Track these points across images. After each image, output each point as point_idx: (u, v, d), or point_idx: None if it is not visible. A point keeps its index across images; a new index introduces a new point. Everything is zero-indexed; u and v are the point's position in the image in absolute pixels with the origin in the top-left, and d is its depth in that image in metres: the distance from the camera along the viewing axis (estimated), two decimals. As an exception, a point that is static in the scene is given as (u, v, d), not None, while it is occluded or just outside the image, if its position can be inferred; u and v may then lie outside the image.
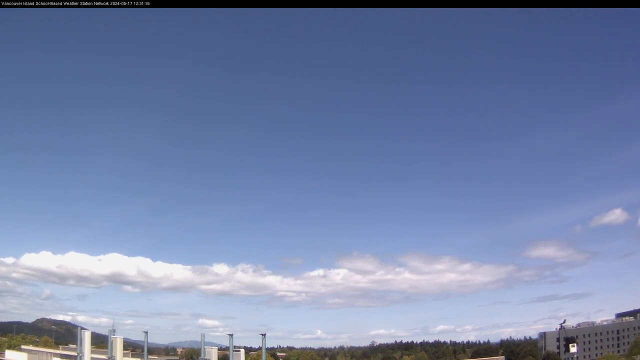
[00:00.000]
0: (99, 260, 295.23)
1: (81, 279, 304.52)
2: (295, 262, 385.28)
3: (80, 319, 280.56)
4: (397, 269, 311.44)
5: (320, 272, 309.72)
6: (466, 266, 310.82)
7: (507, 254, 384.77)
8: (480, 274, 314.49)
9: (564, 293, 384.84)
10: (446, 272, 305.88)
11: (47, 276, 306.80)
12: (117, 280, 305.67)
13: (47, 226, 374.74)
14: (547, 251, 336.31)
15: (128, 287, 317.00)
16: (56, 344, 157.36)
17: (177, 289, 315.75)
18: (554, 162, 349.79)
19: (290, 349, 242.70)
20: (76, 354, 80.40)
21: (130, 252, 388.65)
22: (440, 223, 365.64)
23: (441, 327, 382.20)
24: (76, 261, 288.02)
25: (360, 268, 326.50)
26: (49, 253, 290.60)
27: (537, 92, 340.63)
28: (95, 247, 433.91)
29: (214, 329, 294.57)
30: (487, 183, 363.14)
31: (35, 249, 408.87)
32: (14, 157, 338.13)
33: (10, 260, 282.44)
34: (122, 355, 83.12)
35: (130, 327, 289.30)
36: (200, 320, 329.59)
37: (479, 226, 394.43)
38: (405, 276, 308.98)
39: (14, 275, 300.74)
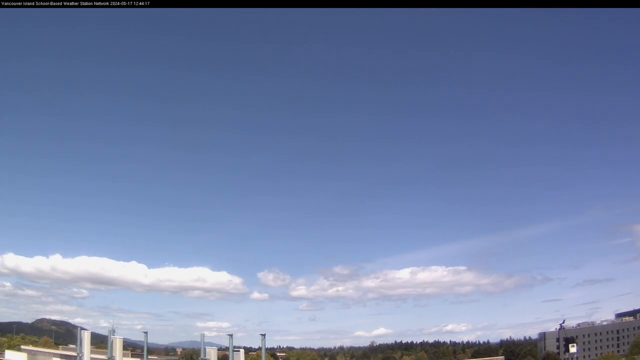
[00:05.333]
0: (101, 262, 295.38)
1: (82, 280, 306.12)
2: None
3: (80, 319, 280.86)
4: (398, 272, 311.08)
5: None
6: (465, 268, 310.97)
7: (508, 256, 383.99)
8: (478, 277, 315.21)
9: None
10: (446, 273, 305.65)
11: (47, 276, 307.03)
12: (119, 282, 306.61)
13: (50, 228, 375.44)
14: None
15: (130, 289, 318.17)
16: (56, 344, 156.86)
17: (178, 289, 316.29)
18: (553, 166, 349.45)
19: (290, 349, 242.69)
20: (76, 354, 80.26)
21: (131, 257, 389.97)
22: (441, 225, 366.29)
23: (441, 327, 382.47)
24: (77, 263, 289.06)
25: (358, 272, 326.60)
26: (54, 255, 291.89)
27: (539, 94, 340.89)
28: (98, 249, 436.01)
29: (213, 329, 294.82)
30: (486, 187, 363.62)
31: (39, 250, 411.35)
32: (14, 161, 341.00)
33: (12, 260, 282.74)
34: (121, 355, 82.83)
35: (130, 327, 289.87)
36: (200, 321, 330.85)
37: (479, 229, 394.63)
38: (406, 278, 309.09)
39: (16, 275, 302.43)
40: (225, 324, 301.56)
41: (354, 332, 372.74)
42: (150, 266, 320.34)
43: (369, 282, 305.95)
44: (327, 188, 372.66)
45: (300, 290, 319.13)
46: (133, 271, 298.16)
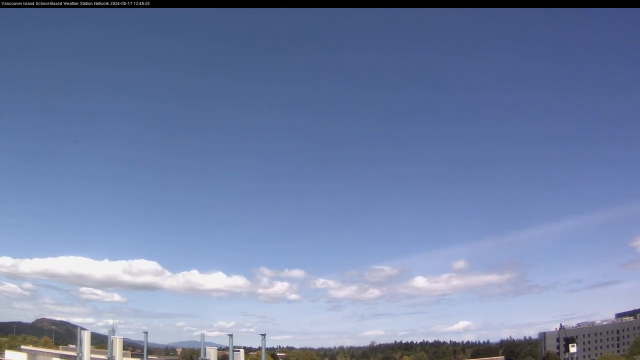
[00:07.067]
0: (101, 263, 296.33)
1: (83, 281, 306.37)
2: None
3: (80, 319, 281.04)
4: (404, 273, 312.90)
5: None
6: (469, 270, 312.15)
7: (508, 256, 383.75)
8: (480, 278, 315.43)
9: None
10: (446, 274, 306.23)
11: (48, 277, 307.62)
12: (118, 282, 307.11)
13: (49, 229, 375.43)
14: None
15: (129, 288, 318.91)
16: (56, 344, 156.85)
17: (177, 289, 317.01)
18: (553, 166, 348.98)
19: (290, 349, 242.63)
20: (76, 354, 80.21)
21: (134, 256, 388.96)
22: (443, 226, 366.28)
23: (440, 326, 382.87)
24: (77, 264, 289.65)
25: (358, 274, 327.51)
26: (53, 255, 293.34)
27: (539, 94, 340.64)
28: (96, 250, 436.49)
29: (214, 329, 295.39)
30: (488, 188, 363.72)
31: (40, 251, 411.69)
32: (15, 162, 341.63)
33: (12, 261, 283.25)
34: (121, 355, 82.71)
35: (130, 327, 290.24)
36: (201, 321, 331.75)
37: (480, 229, 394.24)
38: (410, 280, 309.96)
39: (15, 275, 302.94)
40: (247, 323, 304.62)
41: (361, 332, 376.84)
42: (172, 269, 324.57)
43: (379, 284, 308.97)
44: (328, 189, 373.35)
45: (320, 292, 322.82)
46: (152, 273, 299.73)
